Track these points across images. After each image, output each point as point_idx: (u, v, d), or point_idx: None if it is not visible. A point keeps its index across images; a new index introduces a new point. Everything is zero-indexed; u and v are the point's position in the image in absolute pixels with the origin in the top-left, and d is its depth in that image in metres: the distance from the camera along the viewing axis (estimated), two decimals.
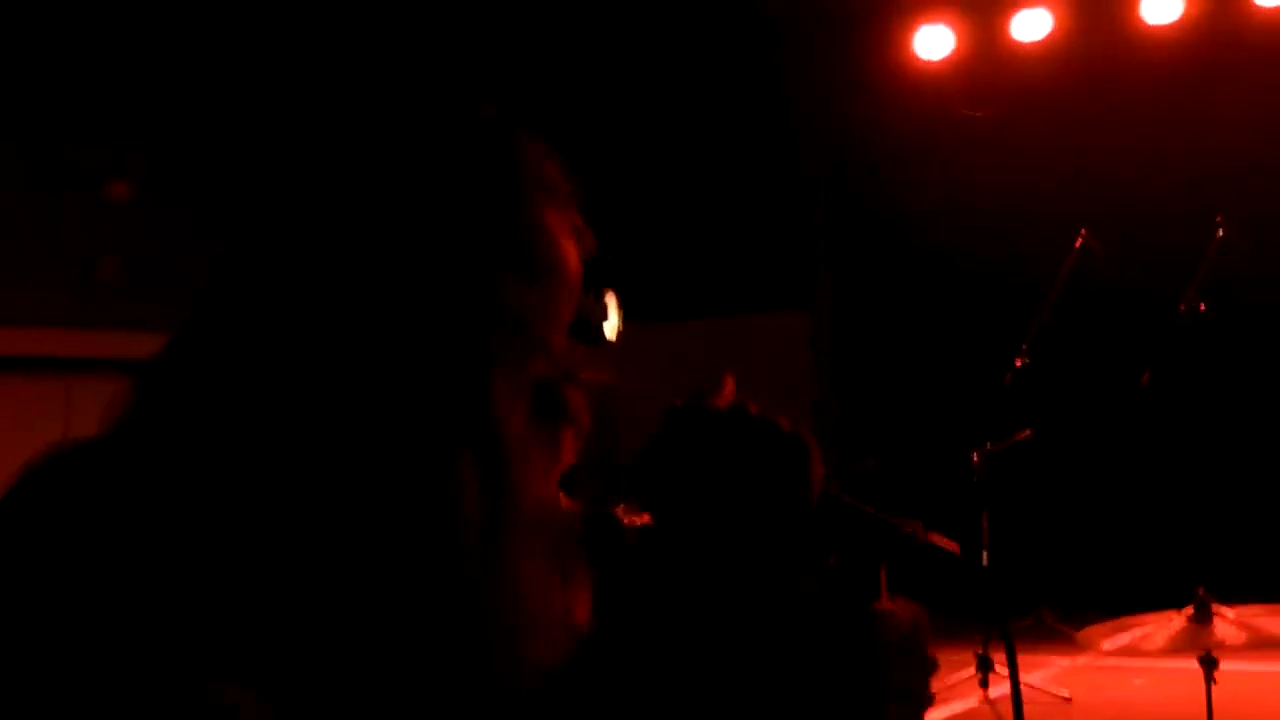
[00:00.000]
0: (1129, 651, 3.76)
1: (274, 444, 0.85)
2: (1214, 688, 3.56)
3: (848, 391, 10.43)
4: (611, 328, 4.02)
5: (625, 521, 0.89)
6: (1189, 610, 3.61)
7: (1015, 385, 7.08)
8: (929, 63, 8.78)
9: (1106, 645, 3.83)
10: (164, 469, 0.84)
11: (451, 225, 0.89)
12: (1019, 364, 7.09)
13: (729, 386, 0.93)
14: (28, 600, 0.80)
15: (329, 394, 0.85)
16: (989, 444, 6.97)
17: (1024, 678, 6.77)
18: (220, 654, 0.78)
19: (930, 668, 0.93)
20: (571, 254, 0.96)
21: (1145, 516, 8.95)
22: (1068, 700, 6.46)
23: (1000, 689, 6.69)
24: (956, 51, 8.70)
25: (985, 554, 6.81)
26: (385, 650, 0.83)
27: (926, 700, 0.92)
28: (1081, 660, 7.54)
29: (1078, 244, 7.18)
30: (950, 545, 1.16)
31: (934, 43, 8.66)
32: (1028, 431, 7.06)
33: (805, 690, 0.91)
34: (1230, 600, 3.61)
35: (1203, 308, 6.82)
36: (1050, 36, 8.66)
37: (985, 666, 6.63)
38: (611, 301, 4.03)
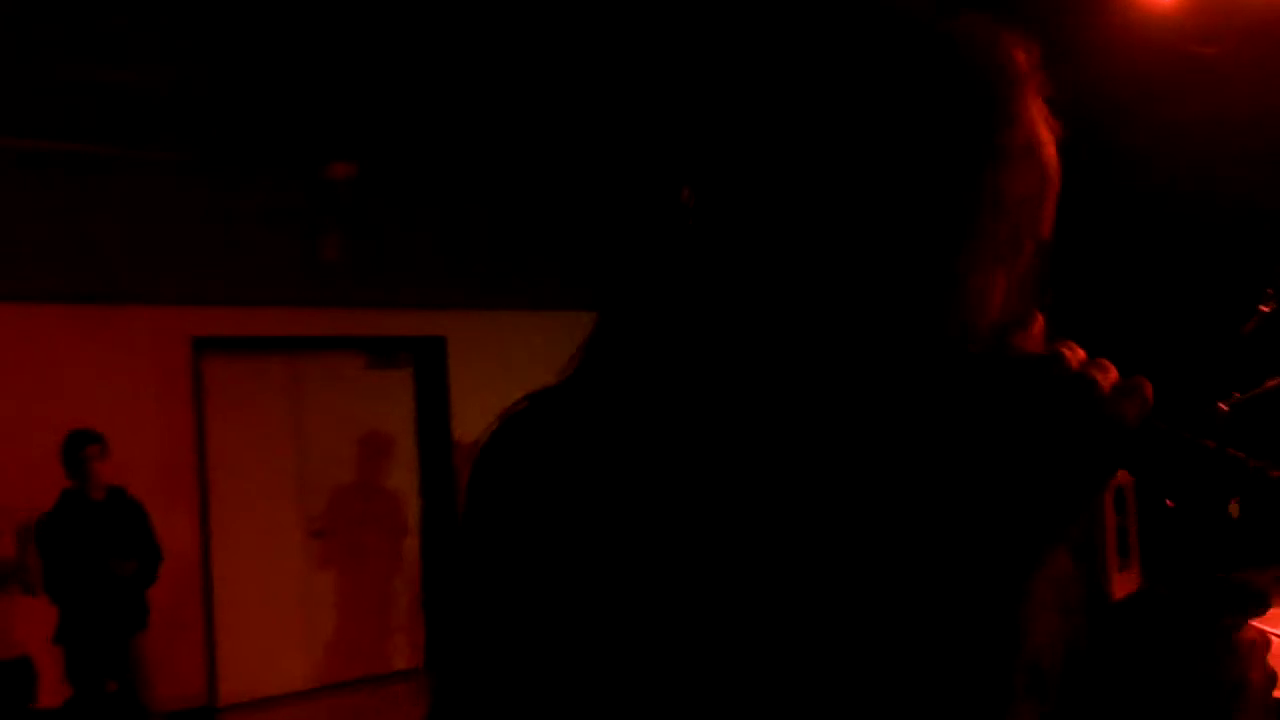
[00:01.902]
0: None
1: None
2: None
3: (1074, 340, 10.11)
4: None
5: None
6: None
7: (1261, 331, 6.75)
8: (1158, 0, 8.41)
9: None
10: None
11: (934, 122, 0.89)
12: (1265, 309, 6.76)
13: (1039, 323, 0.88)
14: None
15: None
16: (1236, 394, 6.66)
17: None
18: None
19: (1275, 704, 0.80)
20: (1049, 142, 0.97)
21: None
22: None
23: None
24: None
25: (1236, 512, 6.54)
26: None
27: None
28: None
29: None
30: None
31: None
32: (1278, 378, 6.73)
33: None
34: None
35: None
36: None
37: None
38: None
